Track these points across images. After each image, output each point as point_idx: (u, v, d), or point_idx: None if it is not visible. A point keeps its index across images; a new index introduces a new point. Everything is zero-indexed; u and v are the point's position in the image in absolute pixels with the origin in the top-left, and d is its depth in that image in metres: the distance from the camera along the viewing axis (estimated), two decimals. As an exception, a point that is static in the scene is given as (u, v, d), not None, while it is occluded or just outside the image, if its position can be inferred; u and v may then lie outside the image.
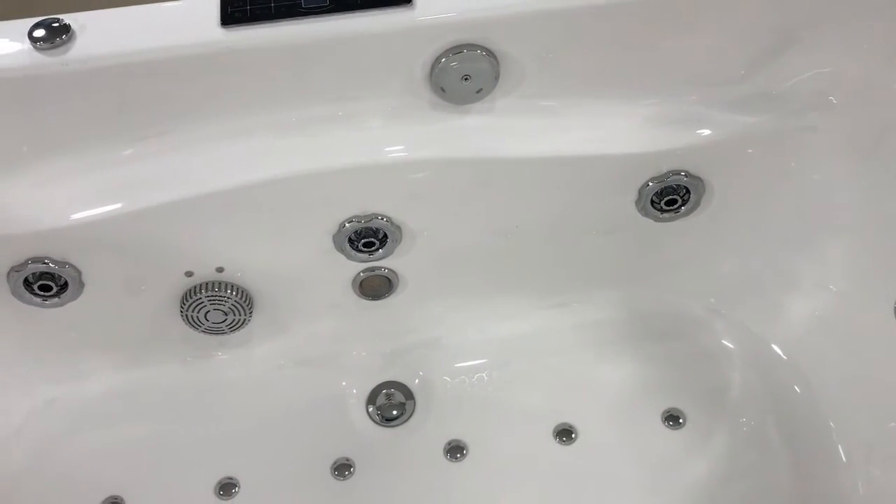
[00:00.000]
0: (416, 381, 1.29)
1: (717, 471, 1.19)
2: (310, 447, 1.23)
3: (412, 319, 1.30)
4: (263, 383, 1.28)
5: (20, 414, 1.22)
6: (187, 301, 1.16)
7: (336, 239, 1.14)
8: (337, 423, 1.25)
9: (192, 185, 1.05)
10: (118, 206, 1.04)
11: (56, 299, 1.11)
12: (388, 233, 1.15)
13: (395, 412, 1.26)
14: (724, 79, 1.08)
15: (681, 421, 1.23)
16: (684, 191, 1.16)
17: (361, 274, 1.21)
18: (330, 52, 0.97)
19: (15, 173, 1.03)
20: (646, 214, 1.19)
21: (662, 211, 1.18)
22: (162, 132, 1.04)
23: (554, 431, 1.23)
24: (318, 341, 1.30)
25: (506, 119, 1.07)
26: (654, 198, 1.16)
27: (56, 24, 0.94)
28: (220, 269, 1.15)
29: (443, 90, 1.03)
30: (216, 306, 1.17)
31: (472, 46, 0.98)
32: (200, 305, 1.17)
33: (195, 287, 1.15)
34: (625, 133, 1.09)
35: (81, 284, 1.11)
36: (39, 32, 0.94)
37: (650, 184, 1.14)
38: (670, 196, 1.16)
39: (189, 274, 1.14)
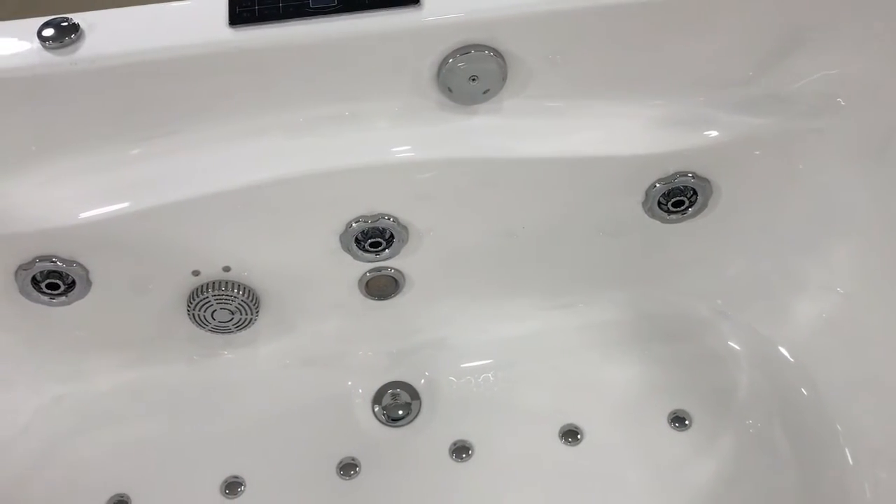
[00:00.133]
0: (422, 381, 1.29)
1: (723, 473, 1.18)
2: (315, 446, 1.23)
3: (418, 319, 1.30)
4: (269, 382, 1.29)
5: (27, 412, 1.22)
6: (194, 300, 1.16)
7: (343, 239, 1.15)
8: (343, 423, 1.26)
9: (199, 184, 1.05)
10: (126, 205, 1.04)
11: (63, 298, 1.12)
12: (394, 233, 1.15)
13: (400, 412, 1.26)
14: (732, 80, 1.08)
15: (687, 422, 1.23)
16: (691, 192, 1.16)
17: (368, 274, 1.22)
18: (338, 52, 0.98)
19: (23, 172, 1.03)
20: (652, 216, 1.19)
21: (669, 212, 1.18)
22: (170, 132, 1.04)
23: (559, 432, 1.23)
24: (324, 341, 1.30)
25: (513, 120, 1.07)
26: (661, 199, 1.16)
27: (65, 24, 0.95)
28: (226, 269, 1.15)
29: (450, 90, 1.03)
30: (223, 305, 1.17)
31: (479, 47, 0.98)
32: (207, 304, 1.17)
33: (202, 286, 1.16)
34: (632, 134, 1.09)
35: (89, 283, 1.11)
36: (48, 32, 0.94)
37: (657, 185, 1.14)
38: (677, 197, 1.16)
39: (196, 273, 1.15)
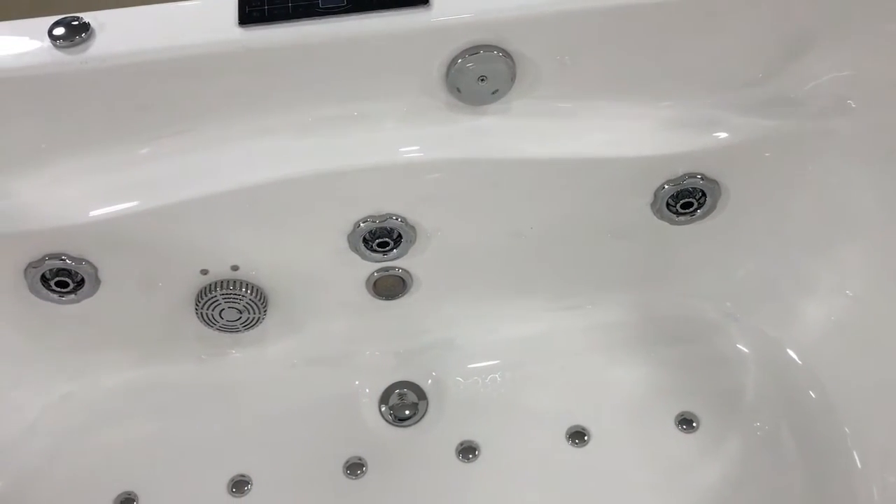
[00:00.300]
0: (429, 381, 1.29)
1: (731, 475, 1.18)
2: (322, 446, 1.23)
3: (426, 320, 1.30)
4: (277, 382, 1.29)
5: (35, 409, 1.23)
6: (202, 299, 1.16)
7: (351, 239, 1.15)
8: (349, 423, 1.26)
9: (207, 183, 1.06)
10: (135, 203, 1.05)
11: (72, 296, 1.12)
12: (402, 233, 1.15)
13: (407, 412, 1.26)
14: (742, 82, 1.08)
15: (694, 425, 1.23)
16: (700, 194, 1.16)
17: (375, 274, 1.22)
18: (347, 52, 0.98)
19: (33, 170, 1.04)
20: (661, 217, 1.18)
21: (678, 214, 1.18)
22: (179, 131, 1.04)
23: (566, 433, 1.23)
24: (331, 340, 1.30)
25: (521, 120, 1.07)
26: (670, 200, 1.16)
27: (76, 23, 0.95)
28: (235, 268, 1.16)
29: (459, 91, 1.03)
30: (231, 304, 1.18)
31: (488, 47, 0.98)
32: (215, 303, 1.17)
33: (210, 285, 1.16)
34: (641, 135, 1.09)
35: (98, 281, 1.12)
36: (59, 31, 0.94)
37: (666, 186, 1.14)
38: (686, 199, 1.16)
39: (204, 272, 1.15)
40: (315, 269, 1.20)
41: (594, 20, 0.99)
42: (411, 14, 0.96)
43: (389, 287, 1.25)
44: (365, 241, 1.15)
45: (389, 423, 1.26)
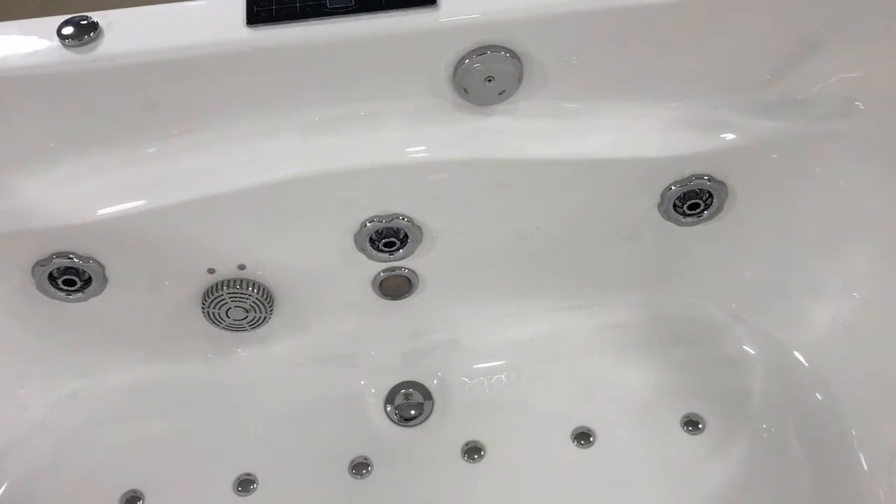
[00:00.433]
0: (435, 381, 1.29)
1: (737, 477, 1.18)
2: (328, 445, 1.23)
3: (431, 320, 1.31)
4: (283, 381, 1.29)
5: (43, 406, 1.23)
6: (209, 298, 1.17)
7: (357, 238, 1.15)
8: (355, 422, 1.26)
9: (214, 183, 1.06)
10: (142, 202, 1.05)
11: (80, 294, 1.12)
12: (408, 233, 1.15)
13: (413, 412, 1.26)
14: (750, 83, 1.08)
15: (700, 426, 1.22)
16: (707, 195, 1.15)
17: (382, 274, 1.22)
18: (354, 52, 0.98)
19: (41, 169, 1.04)
20: (668, 218, 1.18)
21: (685, 215, 1.18)
22: (186, 131, 1.05)
23: (572, 434, 1.23)
24: (337, 340, 1.30)
25: (528, 121, 1.07)
26: (677, 202, 1.16)
27: (84, 22, 0.96)
28: (241, 267, 1.16)
29: (466, 91, 1.03)
30: (237, 303, 1.18)
31: (495, 48, 0.98)
32: (222, 302, 1.18)
33: (217, 284, 1.16)
34: (648, 136, 1.09)
35: (105, 280, 1.12)
36: (68, 30, 0.95)
37: (673, 187, 1.13)
38: (693, 200, 1.16)
39: (211, 271, 1.15)
40: (321, 268, 1.20)
41: (601, 21, 0.99)
42: (419, 14, 0.96)
43: (395, 287, 1.25)
44: (371, 240, 1.15)
45: (395, 422, 1.26)
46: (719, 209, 1.18)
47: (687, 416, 1.23)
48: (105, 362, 1.25)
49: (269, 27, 0.95)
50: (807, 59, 1.06)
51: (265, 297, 1.19)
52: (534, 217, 1.18)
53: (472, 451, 1.22)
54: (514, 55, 0.99)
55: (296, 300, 1.23)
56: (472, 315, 1.31)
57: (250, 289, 1.17)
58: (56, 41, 0.95)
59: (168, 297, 1.18)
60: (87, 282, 1.11)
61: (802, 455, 1.18)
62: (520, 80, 1.02)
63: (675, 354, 1.29)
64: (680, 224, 1.19)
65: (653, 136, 1.09)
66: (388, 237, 1.15)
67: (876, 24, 1.02)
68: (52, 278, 1.10)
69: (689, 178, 1.13)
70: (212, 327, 1.22)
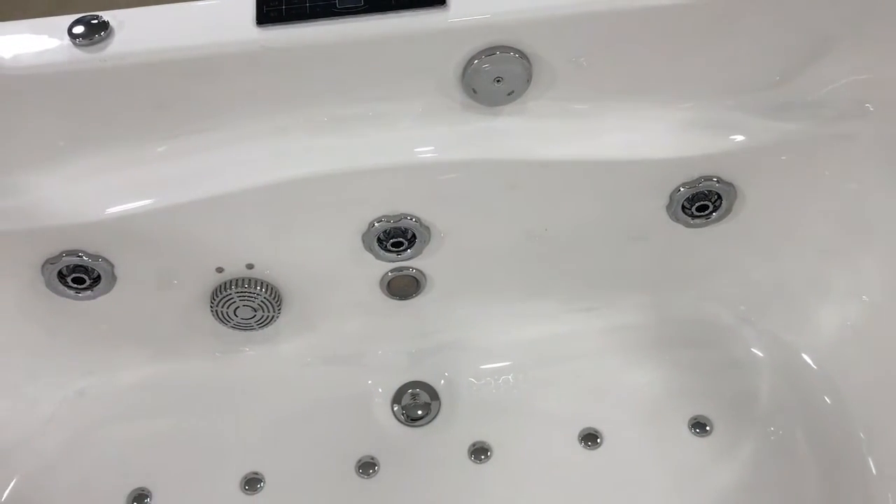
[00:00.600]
0: (442, 381, 1.29)
1: (744, 480, 1.18)
2: (335, 444, 1.24)
3: (439, 320, 1.31)
4: (290, 380, 1.29)
5: (51, 404, 1.24)
6: (217, 297, 1.17)
7: (365, 238, 1.15)
8: (362, 422, 1.26)
9: (223, 182, 1.06)
10: (151, 201, 1.05)
11: (89, 292, 1.13)
12: (416, 233, 1.15)
13: (420, 412, 1.27)
14: (759, 85, 1.07)
15: (707, 429, 1.22)
16: (716, 197, 1.15)
17: (389, 274, 1.22)
18: (363, 52, 0.98)
19: (51, 167, 1.05)
20: (676, 220, 1.18)
21: (693, 217, 1.17)
22: (195, 130, 1.05)
23: (579, 436, 1.23)
24: (345, 339, 1.30)
25: (537, 122, 1.07)
26: (686, 203, 1.15)
27: (95, 21, 0.96)
28: (250, 266, 1.16)
29: (474, 92, 1.03)
30: (246, 302, 1.18)
31: (505, 48, 0.98)
32: (230, 301, 1.18)
33: (225, 283, 1.17)
34: (657, 138, 1.08)
35: (114, 278, 1.12)
36: (79, 29, 0.95)
37: (682, 189, 1.13)
38: (702, 202, 1.15)
39: (220, 270, 1.16)
40: (329, 268, 1.20)
41: (611, 22, 0.98)
42: (428, 15, 0.96)
43: (403, 287, 1.25)
44: (379, 240, 1.15)
45: (402, 422, 1.26)
46: (728, 211, 1.17)
47: (694, 418, 1.23)
48: (113, 360, 1.26)
49: (278, 27, 0.95)
50: (817, 61, 1.05)
51: (273, 296, 1.19)
52: (542, 218, 1.18)
53: (479, 452, 1.22)
54: (523, 56, 0.99)
55: (304, 299, 1.23)
56: (480, 315, 1.31)
57: (258, 288, 1.17)
58: (67, 40, 0.95)
59: (176, 296, 1.18)
60: (97, 280, 1.12)
61: (810, 458, 1.17)
62: (529, 80, 1.02)
63: (682, 356, 1.29)
64: (688, 226, 1.19)
65: (662, 137, 1.09)
66: (396, 237, 1.15)
67: (886, 26, 1.02)
68: (61, 276, 1.11)
69: (698, 180, 1.12)
70: (220, 326, 1.22)
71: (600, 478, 1.19)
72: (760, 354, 1.28)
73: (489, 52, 0.98)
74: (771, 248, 1.23)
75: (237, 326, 1.22)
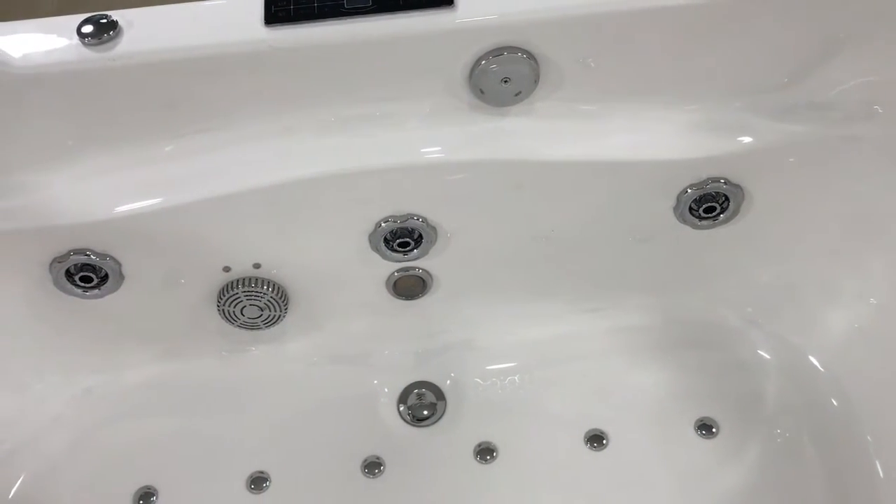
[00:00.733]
0: (448, 381, 1.29)
1: (750, 482, 1.17)
2: (341, 444, 1.24)
3: (445, 320, 1.31)
4: (296, 379, 1.29)
5: (58, 402, 1.24)
6: (224, 296, 1.17)
7: (371, 238, 1.15)
8: (368, 422, 1.26)
9: (231, 182, 1.06)
10: (158, 200, 1.06)
11: (96, 291, 1.13)
12: (423, 233, 1.15)
13: (425, 412, 1.27)
14: (768, 86, 1.07)
15: (714, 430, 1.22)
16: (723, 198, 1.15)
17: (396, 274, 1.22)
18: (371, 52, 0.98)
19: (60, 166, 1.05)
20: (684, 221, 1.18)
21: (701, 218, 1.17)
22: (203, 129, 1.05)
23: (585, 437, 1.22)
24: (351, 339, 1.31)
25: (544, 122, 1.07)
26: (693, 205, 1.15)
27: (104, 21, 0.96)
28: (256, 266, 1.16)
29: (482, 92, 1.03)
30: (252, 302, 1.18)
31: (512, 49, 0.98)
32: (237, 300, 1.18)
33: (232, 282, 1.17)
34: (665, 139, 1.08)
35: (121, 277, 1.13)
36: (88, 28, 0.95)
37: (689, 190, 1.13)
38: (709, 203, 1.15)
39: (226, 269, 1.16)
40: (336, 268, 1.20)
41: (619, 22, 0.98)
42: (436, 15, 0.96)
43: (409, 287, 1.25)
44: (386, 240, 1.15)
45: (408, 422, 1.26)
46: (735, 213, 1.17)
47: (701, 419, 1.23)
48: (120, 359, 1.26)
49: (286, 27, 0.95)
50: (826, 63, 1.05)
51: (280, 295, 1.19)
52: (549, 218, 1.18)
53: (485, 452, 1.22)
54: (530, 56, 0.99)
55: (310, 299, 1.23)
56: (486, 316, 1.31)
57: (265, 287, 1.17)
58: (76, 39, 0.95)
59: (183, 295, 1.19)
60: (104, 279, 1.12)
61: (817, 461, 1.17)
62: (536, 81, 1.02)
63: (689, 358, 1.28)
64: (696, 227, 1.19)
65: (669, 138, 1.08)
66: (403, 237, 1.15)
67: (894, 27, 1.01)
68: (69, 275, 1.11)
69: (706, 181, 1.12)
70: (226, 325, 1.22)
71: (606, 479, 1.19)
72: (767, 356, 1.27)
73: (497, 52, 0.98)
74: (778, 249, 1.22)
75: (244, 326, 1.22)
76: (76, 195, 1.05)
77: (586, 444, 1.22)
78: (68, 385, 1.25)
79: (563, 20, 0.97)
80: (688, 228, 1.19)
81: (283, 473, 1.21)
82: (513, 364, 1.30)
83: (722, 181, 1.12)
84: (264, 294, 1.18)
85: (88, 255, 1.08)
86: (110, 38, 0.95)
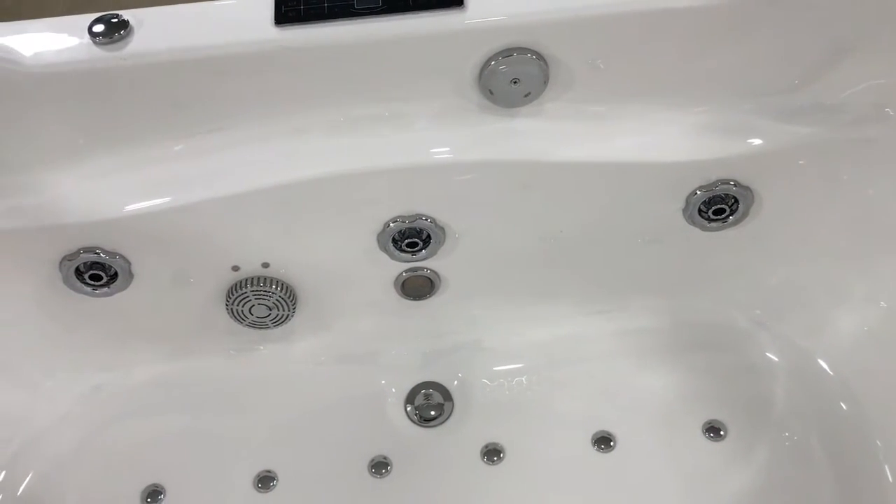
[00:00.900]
0: (455, 382, 1.29)
1: (758, 485, 1.17)
2: (348, 444, 1.24)
3: (453, 321, 1.31)
4: (304, 379, 1.30)
5: (67, 400, 1.25)
6: (233, 295, 1.17)
7: (380, 238, 1.15)
8: (375, 421, 1.26)
9: (239, 181, 1.07)
10: (168, 199, 1.06)
11: (105, 289, 1.14)
12: (431, 234, 1.15)
13: (433, 412, 1.27)
14: (778, 88, 1.07)
15: (722, 433, 1.21)
16: (732, 200, 1.15)
17: (404, 274, 1.22)
18: (381, 52, 0.98)
19: (70, 165, 1.05)
20: (693, 223, 1.18)
21: (710, 220, 1.17)
22: (213, 129, 1.05)
23: (592, 438, 1.22)
24: (358, 339, 1.31)
25: (554, 123, 1.07)
26: (702, 206, 1.15)
27: (115, 20, 0.97)
28: (265, 265, 1.17)
29: (491, 93, 1.03)
30: (261, 301, 1.19)
31: (522, 50, 0.98)
32: (245, 300, 1.18)
33: (241, 281, 1.17)
34: (674, 140, 1.08)
35: (131, 275, 1.13)
36: (99, 27, 0.96)
37: (698, 192, 1.13)
38: (718, 205, 1.15)
39: (235, 268, 1.16)
40: (344, 267, 1.20)
41: (629, 24, 0.98)
42: (446, 15, 0.96)
43: (417, 287, 1.25)
44: (394, 240, 1.16)
45: (415, 423, 1.26)
46: (745, 215, 1.17)
47: (709, 422, 1.22)
48: (129, 357, 1.27)
49: (297, 27, 0.96)
50: (836, 65, 1.05)
51: (288, 295, 1.19)
52: (557, 220, 1.18)
53: (492, 453, 1.22)
54: (540, 57, 0.99)
55: (318, 299, 1.24)
56: (494, 317, 1.31)
57: (274, 287, 1.18)
58: (87, 39, 0.96)
59: (192, 294, 1.19)
60: (113, 277, 1.13)
61: (825, 465, 1.16)
62: (545, 82, 1.02)
63: (697, 360, 1.28)
64: (705, 229, 1.19)
65: (679, 140, 1.08)
66: (411, 237, 1.15)
67: (906, 30, 1.01)
68: (78, 273, 1.11)
69: (715, 183, 1.12)
70: (235, 324, 1.23)
71: (613, 481, 1.19)
72: (776, 359, 1.27)
73: (506, 53, 0.98)
74: (787, 252, 1.22)
75: (252, 325, 1.23)
76: (86, 194, 1.06)
77: (594, 445, 1.22)
78: (77, 383, 1.26)
79: (573, 21, 0.97)
80: (697, 230, 1.19)
81: (290, 472, 1.22)
82: (520, 365, 1.30)
83: (731, 183, 1.12)
84: (273, 293, 1.18)
85: (98, 254, 1.09)
86: (121, 38, 0.95)
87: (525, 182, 1.11)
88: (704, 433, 1.22)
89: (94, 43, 0.96)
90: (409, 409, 1.27)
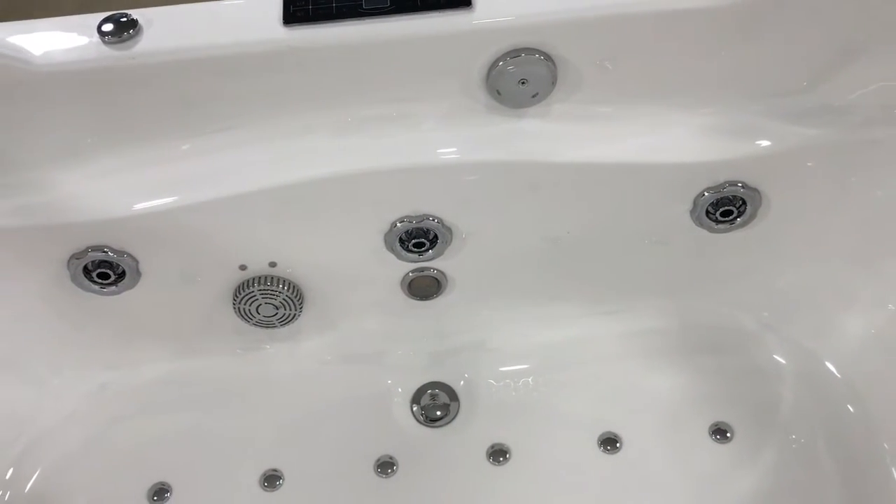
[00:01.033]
0: (462, 382, 1.29)
1: (764, 488, 1.16)
2: (354, 443, 1.24)
3: (459, 321, 1.31)
4: (310, 378, 1.30)
5: (74, 398, 1.25)
6: (240, 294, 1.18)
7: (387, 238, 1.15)
8: (381, 421, 1.26)
9: (247, 180, 1.07)
10: (176, 198, 1.06)
11: (113, 287, 1.14)
12: (438, 234, 1.15)
13: (439, 413, 1.27)
14: (786, 89, 1.07)
15: (728, 435, 1.21)
16: (740, 202, 1.14)
17: (410, 274, 1.22)
18: (389, 53, 0.98)
19: (79, 164, 1.06)
20: (700, 225, 1.17)
21: (717, 222, 1.17)
22: (221, 128, 1.06)
23: (598, 440, 1.22)
24: (365, 339, 1.31)
25: (561, 124, 1.07)
26: (710, 208, 1.15)
27: (124, 19, 0.97)
28: (272, 264, 1.17)
29: (499, 93, 1.03)
30: (268, 300, 1.19)
31: (530, 50, 0.98)
32: (252, 299, 1.18)
33: (248, 281, 1.17)
34: (682, 141, 1.08)
35: (138, 274, 1.13)
36: (108, 27, 0.96)
37: (706, 194, 1.12)
38: (726, 207, 1.14)
39: (243, 267, 1.16)
40: (351, 267, 1.20)
41: (637, 25, 0.98)
42: (454, 16, 0.96)
43: (424, 287, 1.25)
44: (401, 241, 1.16)
45: (421, 423, 1.26)
46: (752, 216, 1.16)
47: (715, 424, 1.22)
48: (136, 355, 1.27)
49: (305, 27, 0.96)
50: (845, 67, 1.05)
51: (295, 294, 1.19)
52: (564, 220, 1.17)
53: (498, 454, 1.22)
54: (548, 58, 0.99)
55: (325, 298, 1.24)
56: (501, 317, 1.31)
57: (281, 286, 1.18)
58: (96, 38, 0.96)
59: (199, 293, 1.19)
60: (121, 275, 1.13)
61: (832, 468, 1.16)
62: (553, 83, 1.02)
63: (704, 362, 1.28)
64: (712, 231, 1.18)
65: (687, 141, 1.08)
66: (418, 237, 1.15)
67: (915, 31, 1.01)
68: (86, 271, 1.12)
69: (723, 185, 1.11)
70: (242, 323, 1.23)
71: (619, 482, 1.19)
72: (783, 361, 1.26)
73: (514, 53, 0.98)
74: (795, 254, 1.22)
75: (259, 324, 1.23)
76: (94, 192, 1.06)
77: (600, 446, 1.22)
78: (84, 381, 1.26)
79: (581, 22, 0.97)
80: (704, 232, 1.18)
81: (296, 472, 1.22)
82: (527, 366, 1.30)
83: (739, 184, 1.12)
84: (280, 292, 1.18)
85: (106, 252, 1.09)
86: (130, 37, 0.96)
87: (532, 183, 1.11)
88: (711, 435, 1.21)
89: (103, 42, 0.96)
90: (415, 409, 1.27)
